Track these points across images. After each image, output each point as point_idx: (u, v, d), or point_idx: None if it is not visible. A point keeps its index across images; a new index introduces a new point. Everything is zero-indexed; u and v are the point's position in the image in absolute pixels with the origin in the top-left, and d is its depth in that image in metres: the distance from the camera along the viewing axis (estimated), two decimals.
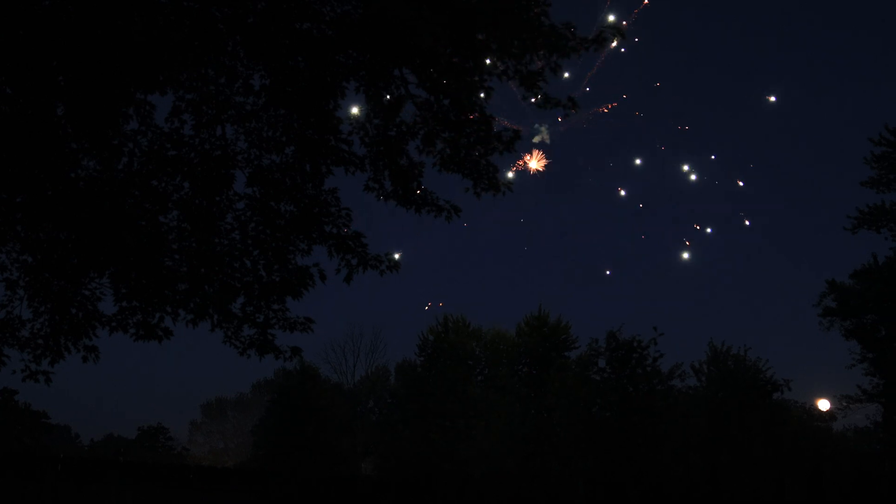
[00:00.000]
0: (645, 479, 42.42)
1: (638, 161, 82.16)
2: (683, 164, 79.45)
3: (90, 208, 8.99)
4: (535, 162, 65.83)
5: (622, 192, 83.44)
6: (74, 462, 43.41)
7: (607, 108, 73.49)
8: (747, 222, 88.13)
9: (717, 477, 42.81)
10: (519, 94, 9.00)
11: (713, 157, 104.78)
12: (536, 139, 65.48)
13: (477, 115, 9.02)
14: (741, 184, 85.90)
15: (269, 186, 9.80)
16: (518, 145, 9.30)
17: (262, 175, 9.80)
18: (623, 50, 69.76)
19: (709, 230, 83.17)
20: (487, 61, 8.59)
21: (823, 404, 42.13)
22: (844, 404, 41.66)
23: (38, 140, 8.41)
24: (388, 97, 9.08)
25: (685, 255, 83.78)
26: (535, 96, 8.94)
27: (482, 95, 8.87)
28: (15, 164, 8.45)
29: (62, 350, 10.27)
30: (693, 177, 78.30)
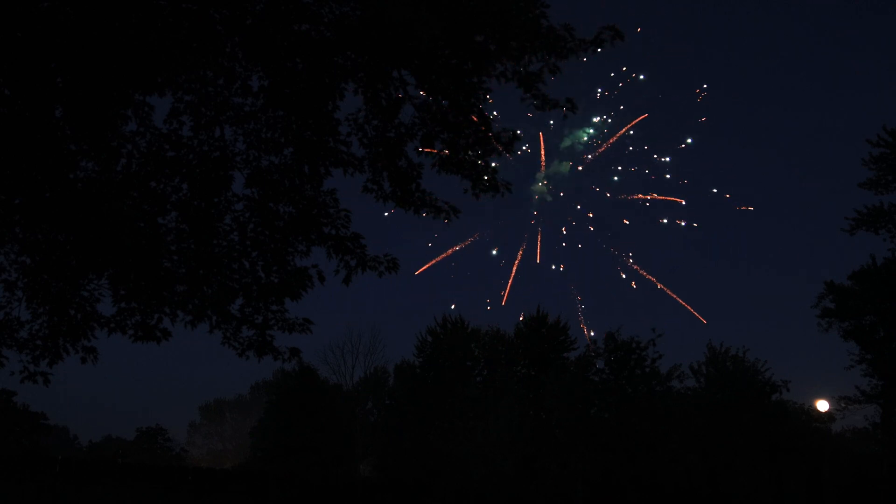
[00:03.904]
0: (643, 480, 42.41)
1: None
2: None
3: (89, 210, 8.97)
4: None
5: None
6: (73, 464, 43.38)
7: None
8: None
9: (716, 478, 42.82)
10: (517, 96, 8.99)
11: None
12: (537, 195, 66.44)
13: (475, 116, 9.02)
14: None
15: (268, 188, 9.79)
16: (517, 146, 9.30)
17: (261, 176, 9.79)
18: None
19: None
20: (486, 63, 8.59)
21: (822, 405, 42.08)
22: (843, 405, 41.66)
23: (37, 142, 8.40)
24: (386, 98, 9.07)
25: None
26: (534, 98, 8.93)
27: (481, 96, 8.87)
28: (14, 165, 8.44)
29: (61, 351, 10.24)
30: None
